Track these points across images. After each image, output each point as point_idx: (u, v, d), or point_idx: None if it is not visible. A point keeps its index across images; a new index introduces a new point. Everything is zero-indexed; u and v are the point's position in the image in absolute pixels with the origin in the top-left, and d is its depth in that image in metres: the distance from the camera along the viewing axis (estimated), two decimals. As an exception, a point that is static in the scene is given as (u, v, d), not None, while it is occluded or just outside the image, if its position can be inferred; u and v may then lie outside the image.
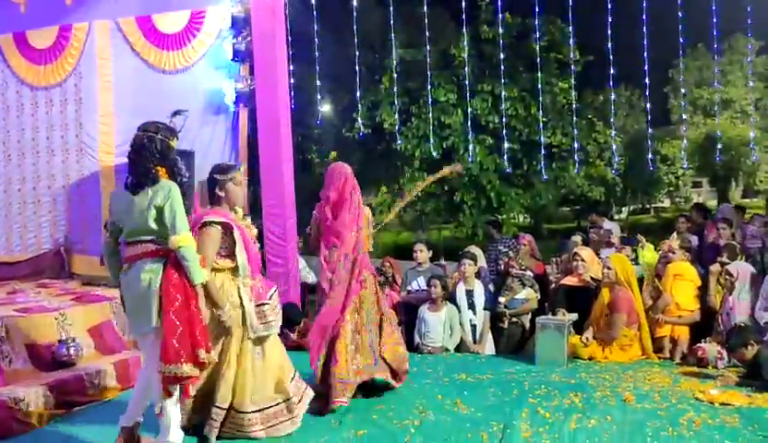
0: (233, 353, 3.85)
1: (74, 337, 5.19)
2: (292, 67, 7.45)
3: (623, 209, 33.26)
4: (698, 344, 5.60)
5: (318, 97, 9.59)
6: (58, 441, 4.00)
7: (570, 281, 6.39)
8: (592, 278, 6.29)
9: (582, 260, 6.31)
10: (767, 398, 4.47)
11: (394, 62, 9.98)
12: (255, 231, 4.16)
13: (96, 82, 8.16)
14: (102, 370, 5.03)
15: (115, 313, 5.82)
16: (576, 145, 12.64)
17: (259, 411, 3.88)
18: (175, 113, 4.07)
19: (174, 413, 3.55)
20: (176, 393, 3.55)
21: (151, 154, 3.51)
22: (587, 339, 5.88)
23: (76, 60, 8.25)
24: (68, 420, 4.40)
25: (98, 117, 8.14)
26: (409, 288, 6.86)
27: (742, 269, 5.81)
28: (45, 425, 4.30)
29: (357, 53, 8.83)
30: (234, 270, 3.86)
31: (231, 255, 3.84)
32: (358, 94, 9.45)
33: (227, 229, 3.83)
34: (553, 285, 6.82)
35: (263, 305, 3.92)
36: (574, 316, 5.92)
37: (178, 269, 3.43)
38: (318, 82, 8.84)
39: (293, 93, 7.49)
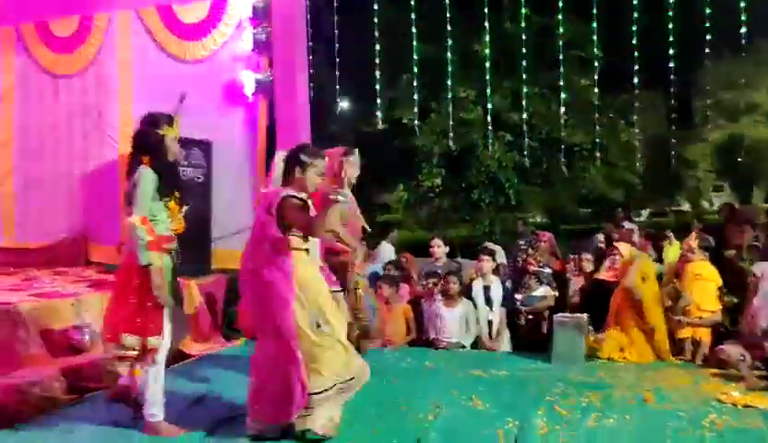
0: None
1: (89, 323, 5.19)
2: (311, 59, 7.41)
3: (642, 211, 32.90)
4: (720, 346, 5.48)
5: (337, 88, 9.54)
6: (72, 426, 3.98)
7: (605, 276, 6.29)
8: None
9: (621, 255, 6.20)
10: (792, 401, 4.36)
11: (414, 57, 9.91)
12: None
13: (116, 71, 8.19)
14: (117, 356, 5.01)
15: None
16: (598, 143, 12.48)
17: None
18: (182, 98, 4.04)
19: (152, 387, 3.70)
20: (153, 369, 3.67)
21: (138, 145, 3.74)
22: (598, 338, 5.78)
23: (97, 49, 8.29)
24: (82, 405, 4.39)
25: (118, 106, 8.17)
26: (423, 283, 6.80)
27: (767, 270, 5.67)
28: (59, 409, 4.29)
29: (377, 47, 8.77)
30: (307, 252, 3.70)
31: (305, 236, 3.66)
32: (377, 88, 9.38)
33: (306, 206, 3.67)
34: (577, 281, 6.71)
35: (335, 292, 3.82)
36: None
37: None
38: (338, 74, 8.80)
39: (311, 85, 7.45)
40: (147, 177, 3.61)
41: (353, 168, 4.74)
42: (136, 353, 3.62)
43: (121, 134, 8.11)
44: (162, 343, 3.71)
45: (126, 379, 3.80)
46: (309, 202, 3.70)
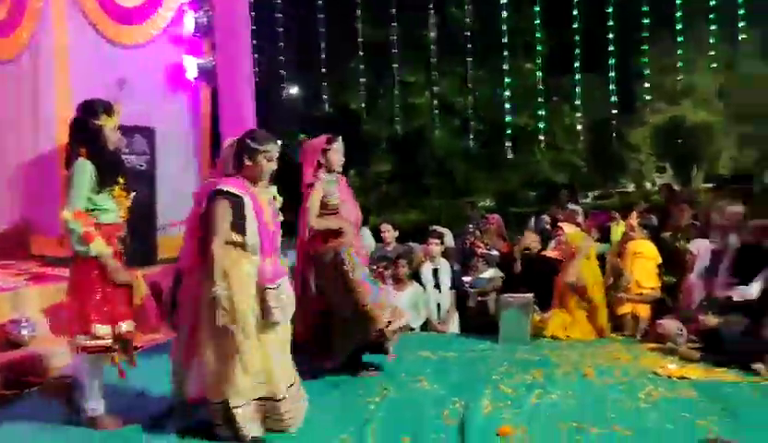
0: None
1: (27, 317, 5.05)
2: (255, 43, 7.31)
3: (588, 193, 33.63)
4: (658, 321, 5.68)
5: (283, 73, 9.45)
6: (7, 421, 3.87)
7: (550, 254, 6.42)
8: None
9: (566, 235, 6.31)
10: (724, 371, 4.57)
11: (360, 41, 9.86)
12: (279, 201, 3.83)
13: (52, 57, 7.90)
14: (56, 351, 4.90)
15: (72, 293, 5.68)
16: (542, 127, 12.68)
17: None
18: (121, 84, 3.94)
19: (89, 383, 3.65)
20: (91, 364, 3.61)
21: (75, 135, 3.65)
22: (544, 316, 5.92)
23: (30, 34, 7.98)
24: (18, 401, 4.28)
25: (54, 93, 7.90)
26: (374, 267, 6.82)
27: (703, 248, 5.89)
28: (-4, 405, 4.18)
29: (323, 31, 8.70)
30: (244, 246, 3.50)
31: (241, 229, 3.49)
32: (323, 71, 9.32)
33: (238, 201, 3.49)
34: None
35: (267, 289, 3.49)
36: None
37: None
38: (283, 59, 8.70)
39: (256, 70, 7.36)
40: (82, 169, 3.52)
41: (337, 155, 4.68)
42: (109, 342, 3.55)
43: (59, 121, 7.86)
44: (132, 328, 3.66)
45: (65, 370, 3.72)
46: (247, 196, 3.53)
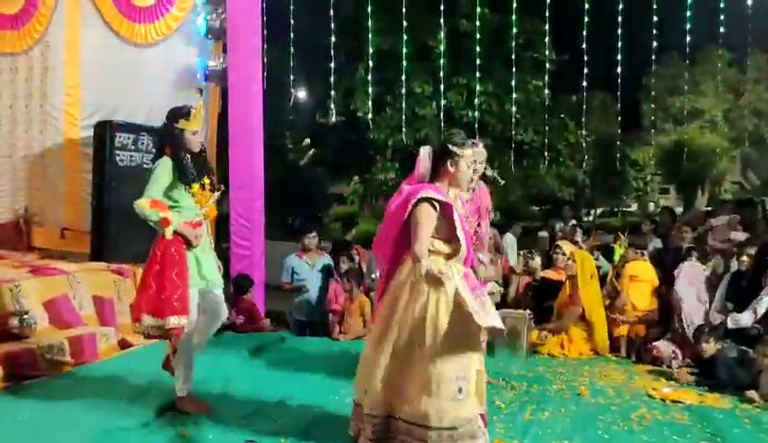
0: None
1: (27, 310, 5.07)
2: (266, 47, 7.35)
3: (591, 211, 33.66)
4: (653, 343, 5.70)
5: (292, 78, 9.49)
6: (7, 413, 3.89)
7: (549, 274, 6.44)
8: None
9: (564, 254, 6.34)
10: (718, 397, 4.58)
11: (370, 50, 9.92)
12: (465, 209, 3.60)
13: (63, 52, 7.97)
14: (56, 344, 4.92)
15: (73, 287, 5.71)
16: (547, 143, 12.72)
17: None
18: (201, 91, 4.26)
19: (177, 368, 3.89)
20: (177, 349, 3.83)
21: (161, 138, 4.05)
22: (545, 336, 5.95)
23: (44, 27, 8.06)
24: (17, 392, 4.28)
25: (63, 88, 7.96)
26: (374, 276, 6.85)
27: (694, 271, 5.93)
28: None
29: (333, 38, 8.74)
30: (450, 257, 3.28)
31: (448, 238, 3.28)
32: (332, 80, 9.37)
33: (446, 209, 3.26)
34: (524, 279, 6.84)
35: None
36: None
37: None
38: (292, 64, 8.75)
39: (266, 74, 7.39)
40: (161, 164, 3.82)
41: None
42: (157, 333, 3.75)
43: (66, 116, 7.92)
44: (187, 322, 3.76)
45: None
46: (460, 202, 3.40)
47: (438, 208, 3.23)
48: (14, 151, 8.24)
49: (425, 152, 3.43)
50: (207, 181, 3.96)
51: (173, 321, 3.68)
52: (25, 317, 4.98)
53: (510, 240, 8.76)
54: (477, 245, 4.26)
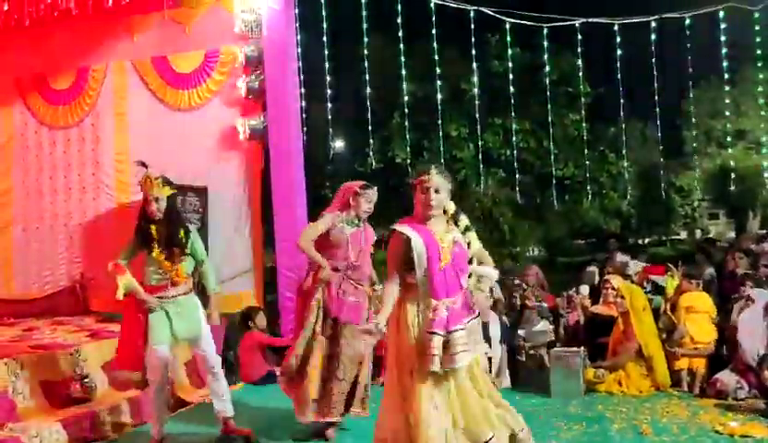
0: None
1: (88, 373, 5.20)
2: (304, 104, 7.56)
3: (639, 241, 32.99)
4: (716, 376, 5.51)
5: (330, 131, 9.69)
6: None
7: (599, 309, 6.33)
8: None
9: (613, 288, 6.23)
10: (789, 429, 4.39)
11: (405, 97, 10.09)
12: (466, 239, 3.57)
13: (112, 121, 8.32)
14: (116, 406, 5.03)
15: (130, 349, 5.84)
16: (588, 177, 12.65)
17: None
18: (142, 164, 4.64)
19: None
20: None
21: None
22: (602, 374, 5.82)
23: (93, 100, 8.43)
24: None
25: (114, 156, 8.29)
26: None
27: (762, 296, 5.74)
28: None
29: (368, 88, 8.94)
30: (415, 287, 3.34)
31: (411, 270, 3.34)
32: (370, 129, 9.54)
33: (407, 241, 3.34)
34: (569, 316, 6.74)
35: (433, 333, 3.20)
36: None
37: None
38: (330, 117, 8.94)
39: (305, 129, 7.58)
40: None
41: (365, 202, 4.77)
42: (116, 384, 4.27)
43: (117, 183, 8.22)
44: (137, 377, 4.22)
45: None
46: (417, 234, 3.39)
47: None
48: (69, 219, 8.54)
49: None
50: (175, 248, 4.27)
51: (125, 375, 4.05)
52: (86, 380, 5.12)
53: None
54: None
